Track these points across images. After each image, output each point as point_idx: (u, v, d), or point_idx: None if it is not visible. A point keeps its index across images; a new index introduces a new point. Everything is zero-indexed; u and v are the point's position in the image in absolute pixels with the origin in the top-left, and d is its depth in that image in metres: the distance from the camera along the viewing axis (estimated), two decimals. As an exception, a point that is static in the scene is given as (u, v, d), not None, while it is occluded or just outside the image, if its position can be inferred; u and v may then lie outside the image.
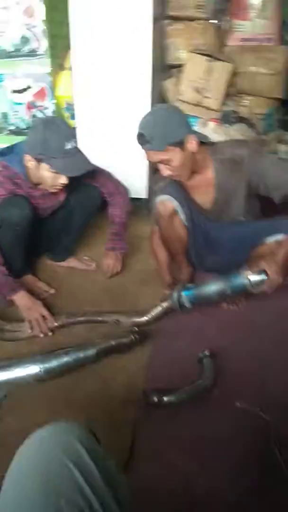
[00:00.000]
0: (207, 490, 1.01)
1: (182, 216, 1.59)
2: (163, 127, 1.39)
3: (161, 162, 1.46)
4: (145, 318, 1.54)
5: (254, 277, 1.41)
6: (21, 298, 1.56)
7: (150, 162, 1.52)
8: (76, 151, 1.50)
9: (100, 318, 1.59)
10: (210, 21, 2.34)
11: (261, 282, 1.41)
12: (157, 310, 1.54)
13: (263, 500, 1.00)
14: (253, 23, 2.29)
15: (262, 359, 1.42)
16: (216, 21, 2.36)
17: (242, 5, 2.28)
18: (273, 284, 1.40)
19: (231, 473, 1.05)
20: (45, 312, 1.56)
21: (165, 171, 1.48)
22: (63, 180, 1.53)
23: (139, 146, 1.46)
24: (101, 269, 1.90)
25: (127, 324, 1.54)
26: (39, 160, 1.48)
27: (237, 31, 2.36)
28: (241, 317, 1.63)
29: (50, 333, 1.55)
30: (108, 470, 0.61)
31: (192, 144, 1.44)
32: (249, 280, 1.41)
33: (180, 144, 1.42)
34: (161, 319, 1.56)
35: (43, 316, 1.55)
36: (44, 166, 1.48)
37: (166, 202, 1.57)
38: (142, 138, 1.41)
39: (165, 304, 1.53)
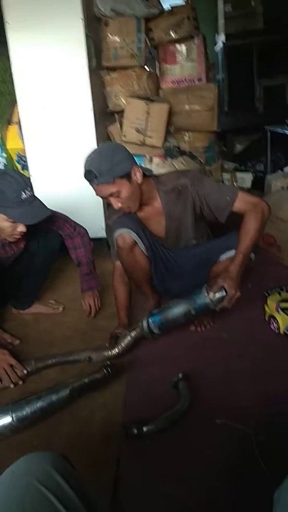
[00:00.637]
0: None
1: (141, 246, 1.63)
2: (108, 162, 1.45)
3: (111, 195, 1.51)
4: (116, 351, 1.53)
5: (214, 295, 1.45)
6: (-15, 351, 1.51)
7: (101, 197, 1.56)
8: (33, 199, 1.52)
9: (71, 358, 1.57)
10: (144, 67, 2.54)
11: (221, 298, 1.44)
12: (127, 340, 1.54)
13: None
14: (181, 66, 2.51)
15: (231, 373, 1.44)
16: (148, 68, 2.57)
17: (169, 52, 2.51)
18: (232, 299, 1.44)
19: (222, 490, 1.04)
20: (13, 361, 1.51)
21: (116, 204, 1.53)
22: (21, 228, 1.54)
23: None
24: (83, 311, 1.88)
25: (99, 359, 1.53)
26: None
27: (168, 74, 2.57)
28: (208, 335, 1.66)
29: (20, 382, 1.50)
30: (85, 492, 0.60)
31: (136, 175, 1.51)
32: (210, 298, 1.45)
33: (127, 176, 1.49)
34: (132, 349, 1.56)
35: (11, 365, 1.51)
36: (2, 217, 1.49)
37: (125, 235, 1.60)
38: (90, 175, 1.46)
39: (134, 333, 1.53)
